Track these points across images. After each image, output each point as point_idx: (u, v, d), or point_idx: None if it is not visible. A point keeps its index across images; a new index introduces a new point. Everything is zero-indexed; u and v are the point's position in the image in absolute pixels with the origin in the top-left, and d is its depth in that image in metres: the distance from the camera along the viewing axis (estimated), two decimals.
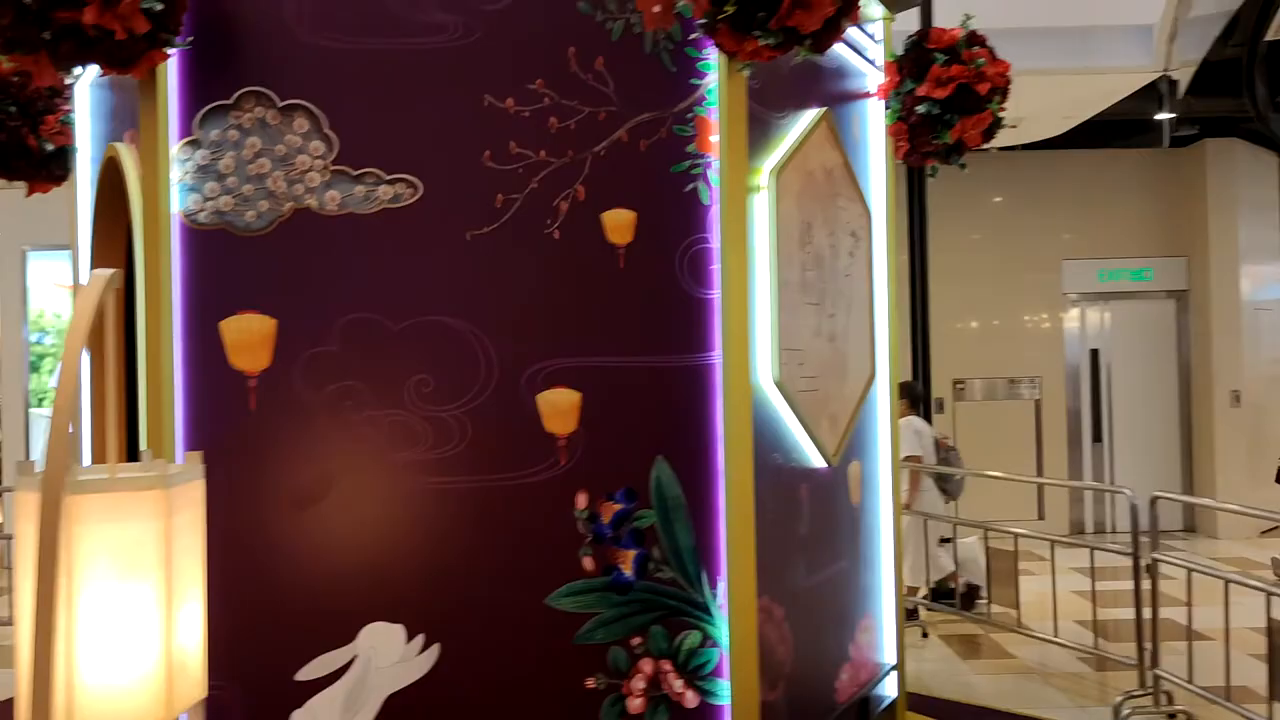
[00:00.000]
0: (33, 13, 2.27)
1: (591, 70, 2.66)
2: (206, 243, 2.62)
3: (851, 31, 3.54)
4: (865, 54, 3.67)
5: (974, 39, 3.59)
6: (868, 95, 3.69)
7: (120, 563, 1.57)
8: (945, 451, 6.00)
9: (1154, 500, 4.22)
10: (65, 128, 3.51)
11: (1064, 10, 5.93)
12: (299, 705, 2.60)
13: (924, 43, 3.58)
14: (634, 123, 2.67)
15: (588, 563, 2.66)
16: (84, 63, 2.38)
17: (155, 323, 2.59)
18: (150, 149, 2.60)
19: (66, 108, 3.47)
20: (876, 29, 3.75)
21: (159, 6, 2.32)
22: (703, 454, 2.68)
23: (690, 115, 2.68)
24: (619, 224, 2.67)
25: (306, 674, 2.61)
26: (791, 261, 2.98)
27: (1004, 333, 9.31)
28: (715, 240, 2.68)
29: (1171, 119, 7.30)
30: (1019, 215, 9.30)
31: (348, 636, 2.62)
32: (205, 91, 2.62)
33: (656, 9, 2.62)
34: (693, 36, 2.64)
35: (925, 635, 5.65)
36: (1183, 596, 4.18)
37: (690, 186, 2.68)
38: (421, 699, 2.61)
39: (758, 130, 2.86)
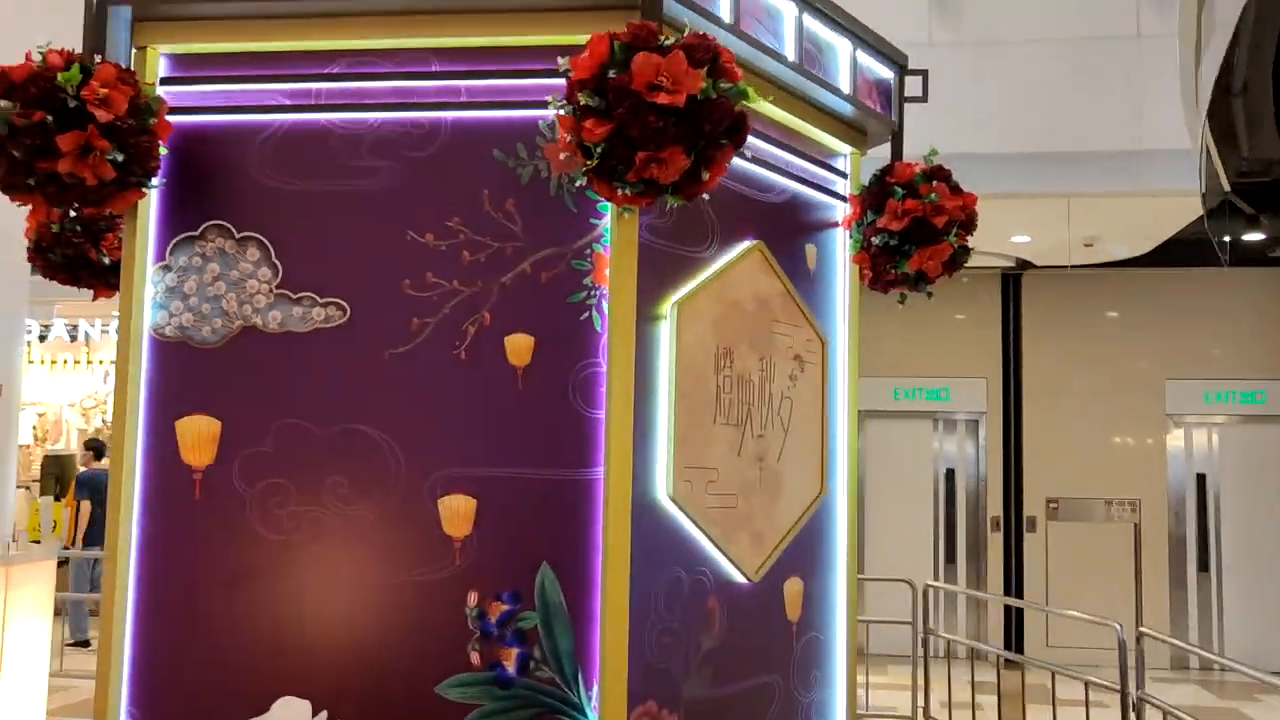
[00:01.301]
0: (21, 163, 2.75)
1: (502, 210, 2.98)
2: (169, 353, 3.04)
3: (811, 168, 3.76)
4: (831, 188, 3.86)
5: (934, 174, 3.75)
6: (834, 225, 3.88)
7: None
8: None
9: (1139, 637, 4.11)
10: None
11: (1115, 135, 5.94)
12: None
13: (885, 177, 3.76)
14: (537, 257, 2.96)
15: (475, 657, 2.89)
16: (67, 203, 2.85)
17: (121, 419, 3.01)
18: (129, 271, 3.05)
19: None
20: (844, 163, 3.95)
21: (121, 157, 2.77)
22: (585, 563, 2.89)
23: (588, 251, 2.95)
24: (519, 347, 2.94)
25: None
26: (703, 384, 3.19)
27: (1102, 452, 9.05)
28: (605, 365, 2.92)
29: (1260, 240, 7.09)
30: (1121, 333, 9.10)
31: (263, 708, 2.92)
32: (178, 223, 3.07)
33: (561, 157, 2.91)
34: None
35: None
36: None
37: (585, 315, 2.94)
38: None
39: (666, 264, 3.10)
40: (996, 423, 9.02)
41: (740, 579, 3.31)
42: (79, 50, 2.96)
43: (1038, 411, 8.97)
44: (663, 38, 2.64)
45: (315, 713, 2.91)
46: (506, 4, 2.97)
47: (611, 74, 2.60)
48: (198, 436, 3.01)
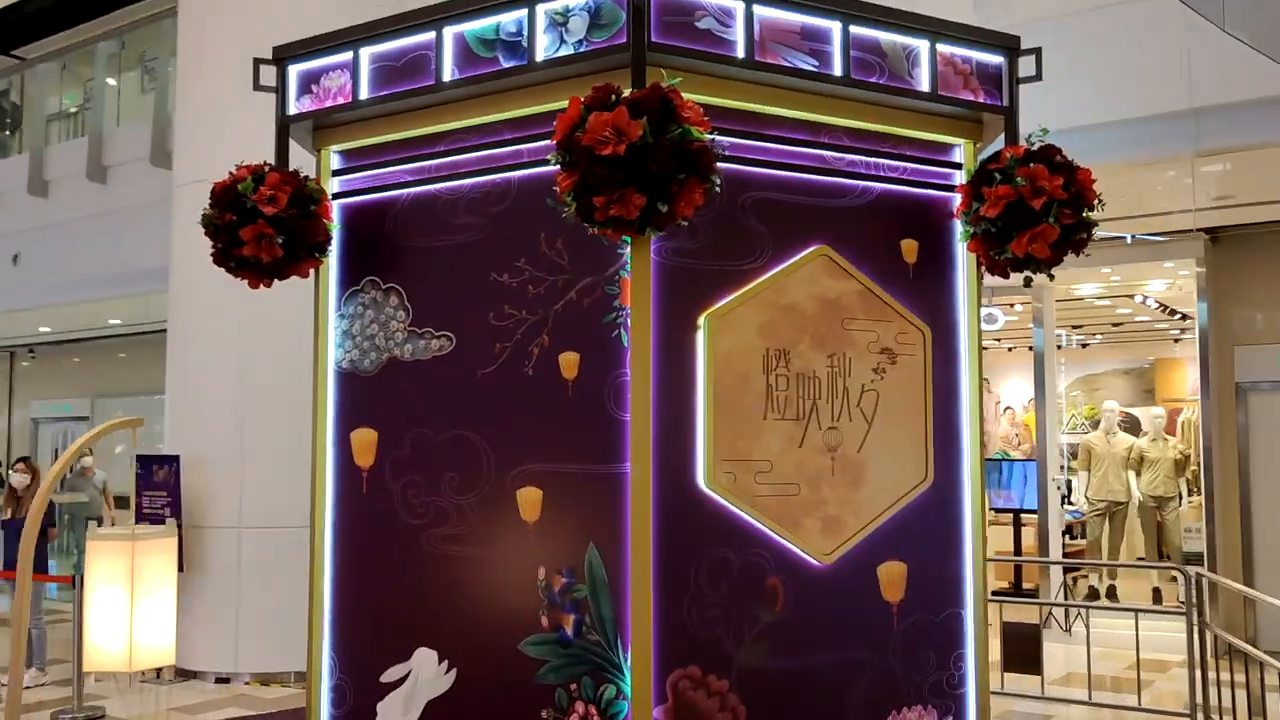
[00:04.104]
0: (222, 251, 3.81)
1: (554, 248, 3.56)
2: (344, 381, 3.97)
3: (908, 165, 3.88)
4: (940, 181, 3.95)
5: (1037, 155, 3.72)
6: (946, 217, 3.96)
7: (109, 576, 2.89)
8: None
9: None
10: None
11: None
12: (381, 699, 3.78)
13: (988, 164, 3.80)
14: (580, 285, 3.50)
15: (544, 621, 3.49)
16: (260, 275, 3.87)
17: (316, 431, 3.99)
18: (318, 320, 4.03)
19: None
20: (960, 154, 4.00)
21: (281, 239, 3.72)
22: (622, 544, 3.37)
23: (616, 277, 3.43)
24: (569, 363, 3.50)
25: (385, 678, 3.78)
26: (748, 385, 3.52)
27: None
28: (629, 374, 3.39)
29: None
30: None
31: (407, 655, 3.75)
32: (347, 280, 3.99)
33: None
34: None
35: None
36: None
37: (615, 333, 3.43)
38: (445, 707, 3.64)
39: (702, 280, 3.48)
40: None
41: (811, 561, 3.59)
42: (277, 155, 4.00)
43: None
44: (615, 95, 3.08)
45: (440, 661, 3.68)
46: (546, 76, 3.53)
47: (577, 134, 3.09)
48: (363, 444, 3.91)
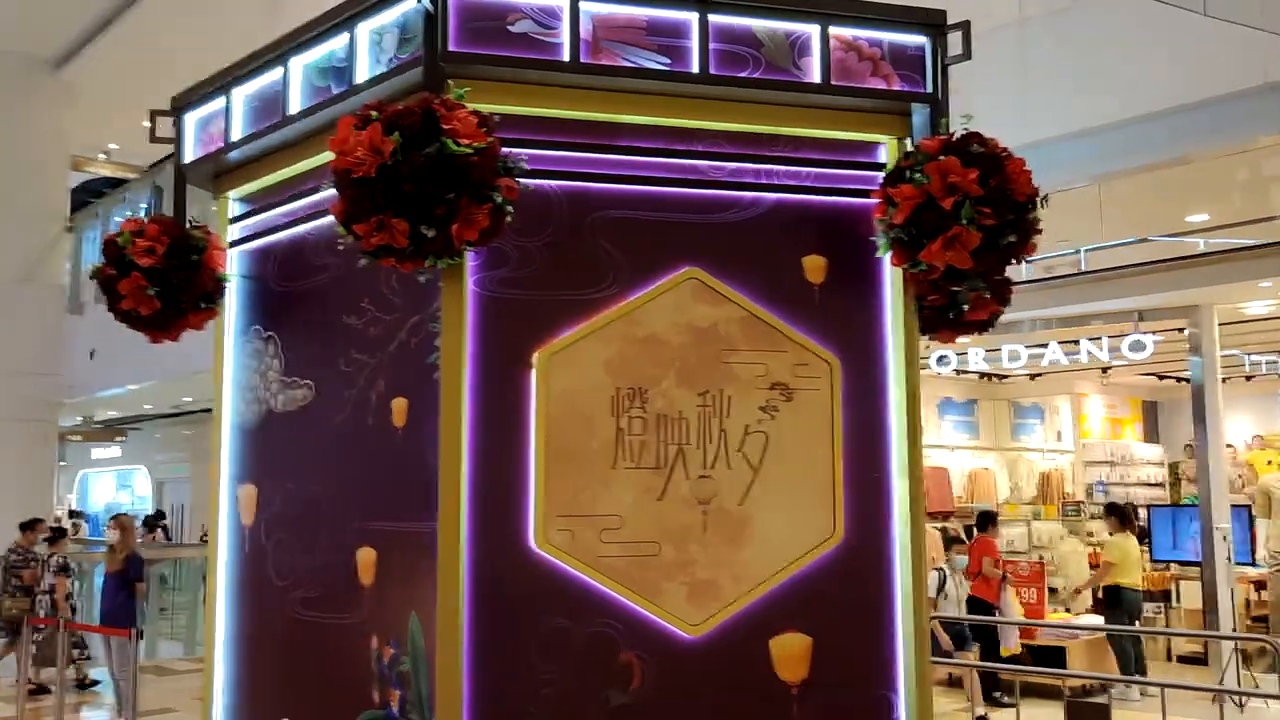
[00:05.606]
0: (111, 306, 3.74)
1: (390, 285, 3.27)
2: (236, 434, 3.82)
3: (812, 170, 3.38)
4: (855, 186, 3.41)
5: (953, 146, 3.16)
6: (864, 229, 3.41)
7: None
8: None
9: None
10: None
11: None
12: None
13: (903, 160, 3.26)
14: (410, 324, 3.19)
15: (375, 695, 3.17)
16: (149, 329, 3.77)
17: (212, 489, 3.85)
18: (218, 374, 3.90)
19: None
20: (882, 153, 3.45)
21: (153, 289, 3.61)
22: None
23: (439, 313, 3.10)
24: (399, 409, 3.19)
25: None
26: (591, 429, 3.09)
27: None
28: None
29: None
30: None
31: None
32: (240, 331, 3.85)
33: None
34: None
35: None
36: None
37: (436, 375, 3.09)
38: None
39: (538, 312, 3.10)
40: None
41: (677, 633, 3.09)
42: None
43: None
44: (377, 112, 2.78)
45: None
46: (364, 101, 3.23)
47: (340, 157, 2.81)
48: (246, 501, 3.73)
